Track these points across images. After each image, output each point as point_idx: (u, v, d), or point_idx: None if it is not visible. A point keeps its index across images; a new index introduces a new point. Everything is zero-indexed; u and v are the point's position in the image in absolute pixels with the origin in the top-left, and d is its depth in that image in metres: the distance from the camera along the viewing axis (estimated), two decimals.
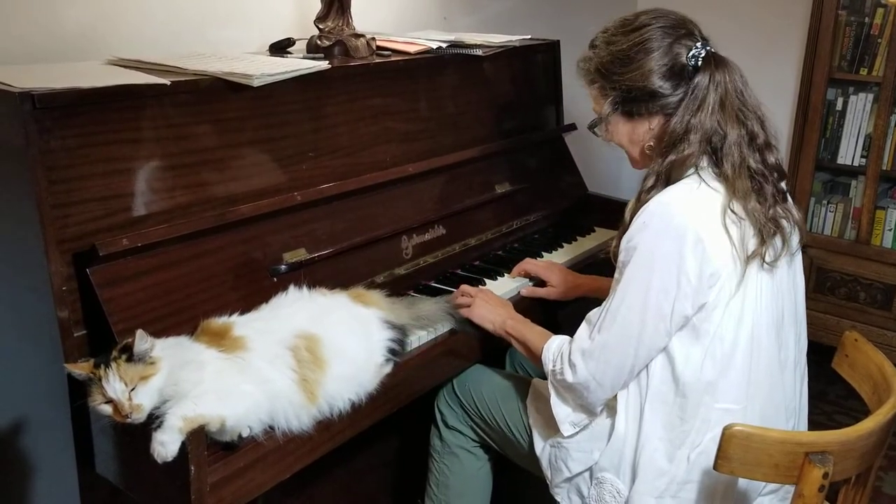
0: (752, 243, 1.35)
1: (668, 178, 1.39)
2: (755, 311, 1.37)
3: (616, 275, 1.41)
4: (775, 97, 3.28)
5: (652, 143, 1.46)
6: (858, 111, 3.07)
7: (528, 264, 1.96)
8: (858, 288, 3.09)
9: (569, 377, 1.43)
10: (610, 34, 1.47)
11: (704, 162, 1.38)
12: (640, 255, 1.35)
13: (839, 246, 3.13)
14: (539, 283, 1.93)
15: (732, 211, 1.34)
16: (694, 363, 1.36)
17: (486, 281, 1.92)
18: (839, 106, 3.11)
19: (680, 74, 1.41)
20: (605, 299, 1.42)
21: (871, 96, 3.04)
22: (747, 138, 1.39)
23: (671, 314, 1.34)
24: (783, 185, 1.43)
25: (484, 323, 1.69)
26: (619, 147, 1.53)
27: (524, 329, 1.63)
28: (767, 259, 1.36)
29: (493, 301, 1.73)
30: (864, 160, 3.07)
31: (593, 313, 1.44)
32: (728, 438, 1.19)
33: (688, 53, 1.40)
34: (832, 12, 2.97)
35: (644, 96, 1.42)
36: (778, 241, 1.38)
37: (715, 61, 1.40)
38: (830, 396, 2.96)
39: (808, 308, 1.58)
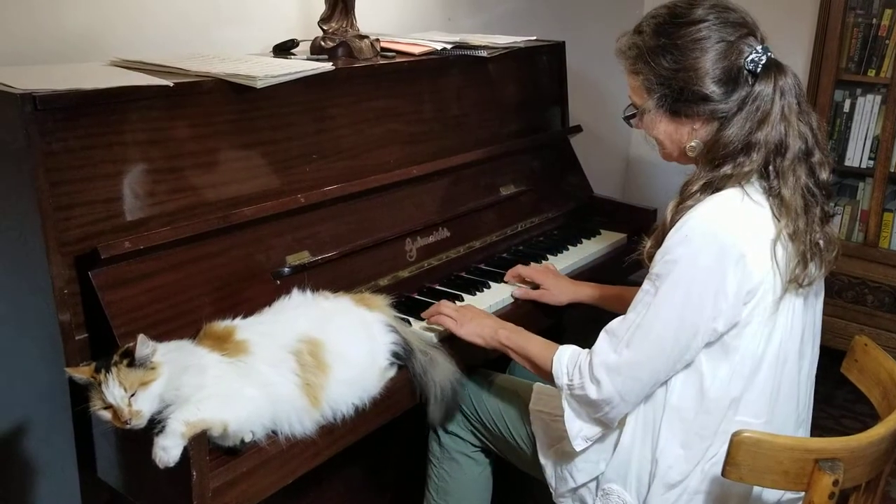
0: (793, 266, 1.30)
1: (716, 189, 1.32)
2: (784, 329, 1.34)
3: (647, 286, 1.33)
4: None
5: (693, 145, 1.38)
6: (866, 113, 3.05)
7: (522, 268, 1.92)
8: (866, 291, 3.07)
9: (592, 393, 1.36)
10: (660, 22, 1.36)
11: (753, 175, 1.31)
12: (680, 269, 1.28)
13: (847, 249, 3.08)
14: (534, 287, 1.89)
15: (785, 233, 1.28)
16: (722, 379, 1.33)
17: (465, 297, 1.83)
18: (847, 107, 3.09)
19: (736, 80, 1.31)
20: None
21: (878, 98, 3.02)
22: (804, 154, 1.31)
23: (703, 331, 1.30)
24: (831, 205, 1.37)
25: (473, 338, 1.60)
26: (652, 140, 1.45)
27: (521, 339, 1.55)
28: (804, 283, 1.32)
29: (478, 314, 1.65)
30: (871, 162, 3.05)
31: (617, 325, 1.36)
32: (737, 445, 1.17)
33: (747, 57, 1.30)
34: (840, 14, 2.95)
35: (694, 98, 1.33)
36: (816, 263, 1.33)
37: (777, 68, 1.30)
38: (838, 400, 2.94)
39: None
